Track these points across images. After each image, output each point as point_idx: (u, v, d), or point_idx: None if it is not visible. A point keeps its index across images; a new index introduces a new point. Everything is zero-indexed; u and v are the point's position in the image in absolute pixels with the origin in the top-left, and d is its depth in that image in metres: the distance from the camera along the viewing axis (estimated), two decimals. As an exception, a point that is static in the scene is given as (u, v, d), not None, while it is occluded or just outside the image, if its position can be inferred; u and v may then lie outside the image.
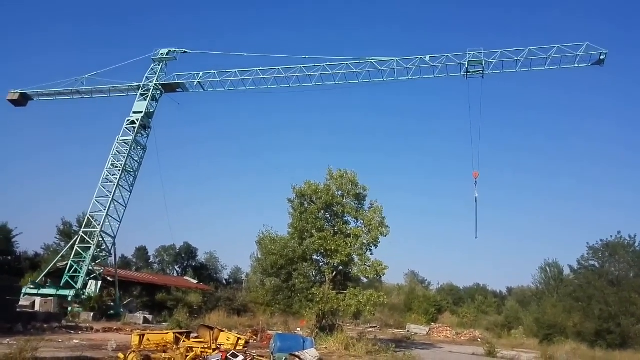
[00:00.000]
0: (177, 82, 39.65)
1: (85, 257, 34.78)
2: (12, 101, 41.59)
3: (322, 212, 28.41)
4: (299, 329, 31.49)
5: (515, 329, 55.52)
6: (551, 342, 40.70)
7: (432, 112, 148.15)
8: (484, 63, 34.35)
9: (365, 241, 27.70)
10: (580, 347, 37.67)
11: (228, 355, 15.11)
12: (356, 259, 27.82)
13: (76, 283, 33.80)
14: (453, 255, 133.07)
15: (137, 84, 39.74)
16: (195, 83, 39.03)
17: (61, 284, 33.98)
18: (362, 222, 28.37)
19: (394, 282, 79.81)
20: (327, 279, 27.63)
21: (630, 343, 39.00)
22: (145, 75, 40.24)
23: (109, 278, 37.17)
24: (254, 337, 25.54)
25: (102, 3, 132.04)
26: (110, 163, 36.84)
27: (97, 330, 24.99)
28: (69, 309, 32.50)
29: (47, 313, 28.97)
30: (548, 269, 64.57)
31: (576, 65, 33.74)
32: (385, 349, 24.48)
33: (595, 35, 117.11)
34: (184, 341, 16.90)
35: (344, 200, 28.74)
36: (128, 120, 38.07)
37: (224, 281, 74.80)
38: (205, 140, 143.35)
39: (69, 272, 34.40)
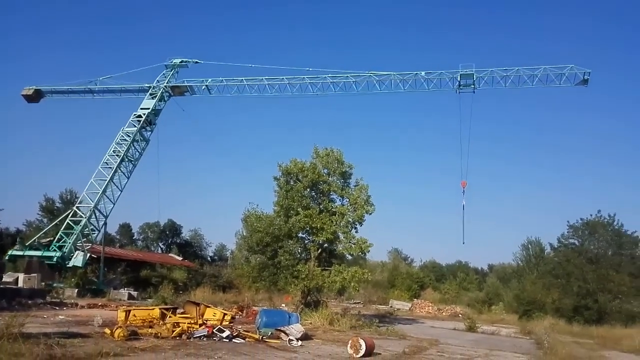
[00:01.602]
0: (185, 84, 41.16)
1: (75, 230, 35.16)
2: (26, 97, 42.45)
3: (308, 190, 28.50)
4: (283, 305, 31.84)
5: (495, 305, 56.77)
6: (530, 318, 41.75)
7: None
8: (475, 77, 35.41)
9: (350, 219, 27.95)
10: (559, 322, 38.69)
11: (215, 330, 15.32)
12: (341, 236, 28.11)
13: (62, 249, 34.15)
14: (436, 232, 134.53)
15: (148, 85, 41.01)
16: (203, 87, 40.61)
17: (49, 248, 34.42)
18: (348, 200, 28.58)
19: (378, 260, 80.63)
20: (312, 256, 27.86)
21: (606, 318, 40.11)
22: (157, 78, 41.57)
23: (93, 255, 37.06)
24: (240, 313, 25.78)
25: (120, 13, 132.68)
26: (112, 150, 37.76)
27: (82, 307, 24.97)
28: (53, 284, 32.44)
29: (31, 289, 28.81)
30: (530, 247, 65.84)
31: (561, 84, 35.40)
32: (368, 324, 24.93)
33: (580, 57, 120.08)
34: (170, 317, 17.03)
35: (330, 179, 28.86)
36: (135, 115, 39.11)
37: (209, 258, 74.94)
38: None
39: (57, 242, 34.76)
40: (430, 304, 54.56)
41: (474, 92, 36.23)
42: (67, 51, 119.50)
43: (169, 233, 77.87)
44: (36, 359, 9.26)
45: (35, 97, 42.55)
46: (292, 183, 28.55)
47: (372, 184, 29.47)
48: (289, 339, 15.81)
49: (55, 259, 33.53)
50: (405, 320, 36.07)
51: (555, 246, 51.95)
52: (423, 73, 36.54)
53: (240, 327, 17.80)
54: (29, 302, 24.04)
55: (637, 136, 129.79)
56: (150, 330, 14.92)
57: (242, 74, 39.93)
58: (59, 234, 35.32)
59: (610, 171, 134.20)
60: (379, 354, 14.62)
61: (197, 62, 42.71)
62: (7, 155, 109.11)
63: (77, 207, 36.88)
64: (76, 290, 31.90)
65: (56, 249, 34.29)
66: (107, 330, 13.73)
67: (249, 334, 16.19)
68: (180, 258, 58.52)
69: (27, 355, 9.25)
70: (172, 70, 41.67)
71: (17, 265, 34.66)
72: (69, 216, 36.25)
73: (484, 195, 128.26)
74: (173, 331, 14.78)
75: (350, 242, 27.79)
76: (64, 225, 35.77)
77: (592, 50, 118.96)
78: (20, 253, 34.12)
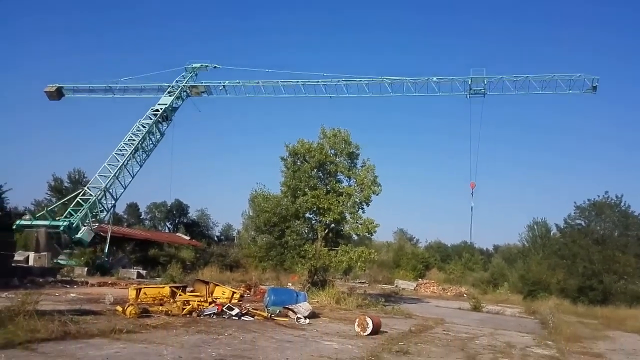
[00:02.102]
0: (203, 84, 42.87)
1: (84, 207, 35.86)
2: (48, 94, 43.56)
3: (315, 170, 28.51)
4: (290, 284, 32.17)
5: (500, 286, 57.11)
6: (535, 298, 41.93)
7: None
8: (485, 81, 36.76)
9: (357, 199, 28.02)
10: (563, 302, 38.91)
11: (224, 308, 15.55)
12: (348, 217, 28.20)
13: (70, 221, 34.91)
14: (441, 213, 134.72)
15: (167, 84, 42.39)
16: (220, 88, 42.39)
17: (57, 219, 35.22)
18: (355, 180, 28.62)
19: (383, 240, 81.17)
20: (319, 236, 28.03)
21: (611, 299, 40.30)
22: (176, 79, 42.92)
23: (102, 234, 37.51)
24: (248, 291, 26.07)
25: (142, 17, 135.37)
26: (127, 138, 38.81)
27: (92, 285, 25.34)
28: (60, 260, 32.87)
29: (42, 268, 29.29)
30: (536, 227, 65.90)
31: (570, 91, 36.82)
32: (374, 303, 25.19)
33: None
34: (180, 295, 17.27)
35: (337, 159, 28.85)
36: (152, 109, 40.24)
37: (216, 238, 75.55)
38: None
39: (66, 217, 35.43)
40: (435, 284, 54.96)
41: (484, 96, 37.35)
42: (89, 54, 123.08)
43: (176, 213, 78.39)
44: (51, 335, 9.48)
45: (57, 95, 43.64)
46: (299, 163, 28.58)
47: (379, 165, 29.57)
48: (297, 317, 16.04)
49: (62, 228, 34.12)
50: (411, 300, 36.40)
51: (562, 227, 51.98)
52: (435, 79, 38.12)
53: (248, 305, 18.05)
54: (40, 280, 24.45)
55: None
56: (160, 308, 15.14)
57: (260, 79, 41.40)
58: (68, 211, 35.96)
59: (618, 153, 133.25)
60: (386, 332, 14.82)
61: (216, 67, 43.85)
62: (15, 135, 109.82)
63: (88, 188, 37.66)
64: (86, 269, 32.35)
65: (63, 219, 35.05)
66: (119, 308, 13.96)
67: (258, 312, 16.44)
68: (187, 237, 59.02)
69: (42, 332, 9.48)
70: (191, 73, 42.93)
71: (27, 242, 35.03)
72: (79, 195, 36.94)
73: (490, 176, 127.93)
74: (183, 309, 15.00)
75: (357, 223, 27.91)
76: (73, 203, 36.45)
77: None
78: (28, 223, 34.75)
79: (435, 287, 53.18)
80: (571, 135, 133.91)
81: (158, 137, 40.59)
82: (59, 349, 8.60)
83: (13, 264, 26.74)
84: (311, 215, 28.82)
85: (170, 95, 41.07)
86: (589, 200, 48.26)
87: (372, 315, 16.33)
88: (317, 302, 22.65)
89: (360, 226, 27.70)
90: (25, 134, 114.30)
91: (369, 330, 13.96)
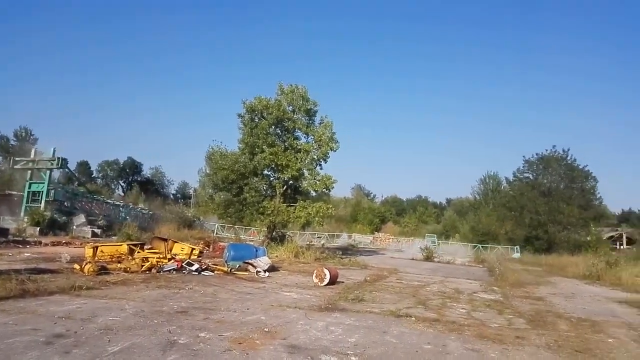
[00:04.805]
0: None
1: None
2: None
3: (273, 127, 28.53)
4: (250, 240, 32.53)
5: (452, 237, 59.51)
6: (484, 248, 44.09)
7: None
8: None
9: (315, 156, 28.33)
10: (510, 251, 41.08)
11: (184, 264, 15.70)
12: (306, 173, 28.55)
13: None
14: (397, 168, 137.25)
15: None
16: None
17: None
18: (313, 137, 28.81)
19: (341, 195, 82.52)
20: (277, 192, 28.31)
21: (555, 248, 42.79)
22: None
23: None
24: (207, 248, 26.21)
25: None
26: None
27: (46, 244, 24.82)
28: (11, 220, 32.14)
29: (-8, 228, 28.44)
30: (488, 181, 68.41)
31: None
32: (332, 256, 25.93)
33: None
34: (138, 252, 17.23)
35: (295, 116, 28.88)
36: None
37: (171, 196, 74.77)
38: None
39: None
40: (391, 237, 56.72)
41: None
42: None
43: (129, 171, 76.84)
44: (10, 293, 9.43)
45: None
46: (256, 120, 28.46)
47: (337, 121, 29.87)
48: (257, 271, 16.37)
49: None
50: (367, 252, 37.52)
51: (511, 180, 54.22)
52: None
53: (208, 261, 18.21)
54: (-9, 240, 23.79)
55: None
56: (119, 265, 15.10)
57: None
58: None
59: (568, 104, 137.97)
60: (342, 282, 15.38)
61: None
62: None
63: None
64: (38, 228, 31.61)
65: None
66: (77, 266, 13.85)
67: (218, 267, 16.66)
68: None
69: (0, 290, 9.43)
70: None
71: None
72: None
73: (445, 130, 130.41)
74: (142, 265, 15.03)
75: (314, 179, 28.30)
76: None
77: None
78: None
79: (390, 240, 54.92)
80: (524, 86, 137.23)
81: None
82: (19, 306, 8.59)
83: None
84: (269, 172, 29.06)
85: None
86: (537, 154, 50.35)
87: (330, 266, 16.87)
88: (277, 256, 23.08)
89: (318, 182, 28.11)
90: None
91: (326, 281, 14.46)
